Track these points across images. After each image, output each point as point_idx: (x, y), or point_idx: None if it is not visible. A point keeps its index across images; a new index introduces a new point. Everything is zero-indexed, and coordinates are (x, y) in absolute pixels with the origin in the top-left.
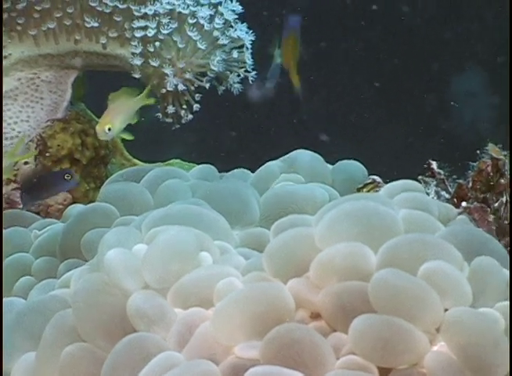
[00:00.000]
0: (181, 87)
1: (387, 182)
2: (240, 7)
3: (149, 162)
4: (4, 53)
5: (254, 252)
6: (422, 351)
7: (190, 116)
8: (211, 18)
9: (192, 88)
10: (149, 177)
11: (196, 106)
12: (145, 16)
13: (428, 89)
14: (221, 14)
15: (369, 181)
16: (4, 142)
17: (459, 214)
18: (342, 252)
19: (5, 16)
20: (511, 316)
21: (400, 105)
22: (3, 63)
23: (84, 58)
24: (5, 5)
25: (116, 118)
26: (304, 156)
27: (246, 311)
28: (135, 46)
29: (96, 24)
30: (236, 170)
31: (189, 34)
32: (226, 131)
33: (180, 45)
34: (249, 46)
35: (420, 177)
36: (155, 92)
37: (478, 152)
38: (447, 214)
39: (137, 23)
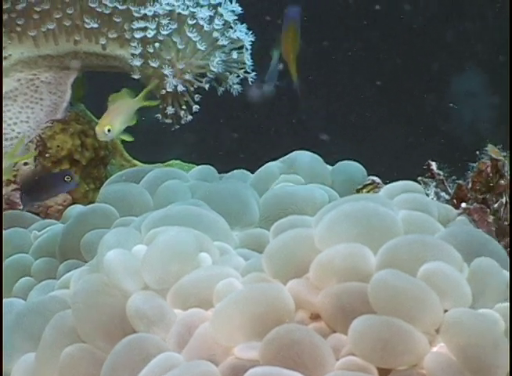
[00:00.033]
0: (180, 88)
1: (386, 183)
2: (240, 8)
3: (148, 163)
4: (4, 54)
5: (253, 253)
6: (421, 352)
7: (190, 117)
8: (211, 19)
9: (192, 88)
10: (149, 178)
11: (195, 107)
12: (144, 17)
13: (428, 90)
14: (221, 15)
15: (369, 182)
16: (4, 142)
17: (459, 215)
18: (342, 253)
19: (4, 17)
20: (511, 318)
21: (400, 105)
22: (3, 63)
23: (83, 59)
24: (4, 6)
25: (116, 119)
26: (303, 157)
27: (245, 312)
28: (135, 47)
29: (96, 25)
30: (235, 171)
31: (189, 35)
32: (226, 132)
33: (180, 46)
34: (248, 47)
35: (419, 178)
36: (154, 92)
37: (478, 153)
38: (446, 215)
39: (136, 24)
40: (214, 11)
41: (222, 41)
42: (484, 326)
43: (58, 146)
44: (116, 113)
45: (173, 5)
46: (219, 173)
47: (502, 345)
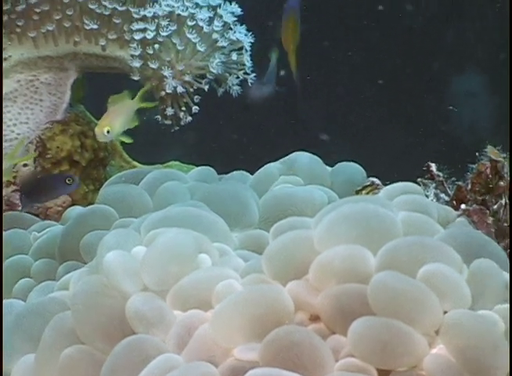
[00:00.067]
0: (180, 89)
1: (386, 185)
2: (239, 9)
3: (148, 164)
4: (3, 55)
5: (253, 254)
6: (421, 353)
7: (189, 118)
8: (210, 20)
9: (192, 90)
10: (148, 179)
11: (195, 108)
12: (144, 19)
13: (427, 90)
14: (221, 16)
15: (368, 183)
16: (3, 144)
17: (459, 216)
18: (341, 254)
19: (4, 18)
20: (511, 319)
21: (399, 106)
22: (3, 65)
23: (83, 60)
24: (4, 7)
25: (115, 121)
26: (303, 158)
27: (245, 313)
28: (135, 48)
29: (95, 26)
30: (234, 172)
31: (188, 36)
32: (225, 133)
33: (179, 47)
34: (248, 48)
35: (419, 179)
36: (154, 93)
37: (477, 154)
38: (446, 216)
39: (136, 26)
40: (213, 12)
41: (222, 43)
42: (484, 327)
43: (57, 147)
44: (115, 115)
45: (172, 7)
46: (218, 174)
47: (501, 347)
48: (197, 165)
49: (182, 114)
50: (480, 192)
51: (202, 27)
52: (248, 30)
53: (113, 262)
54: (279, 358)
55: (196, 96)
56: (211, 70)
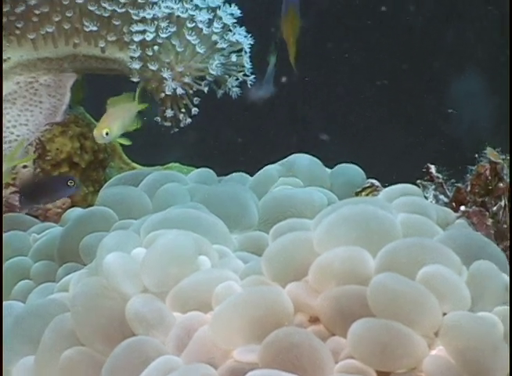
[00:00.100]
0: (179, 91)
1: (385, 186)
2: (239, 11)
3: (147, 166)
4: (3, 57)
5: (252, 256)
6: (420, 355)
7: (189, 119)
8: (210, 22)
9: (191, 91)
10: (148, 181)
11: (194, 110)
12: (143, 20)
13: (427, 91)
14: (220, 18)
15: (368, 185)
16: (3, 145)
17: (458, 218)
18: (341, 256)
19: (4, 19)
20: (511, 321)
21: (399, 107)
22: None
23: (82, 62)
24: (4, 9)
25: (114, 123)
26: (302, 160)
27: (244, 315)
28: (134, 50)
29: (95, 28)
30: (234, 174)
31: (188, 38)
32: (225, 135)
33: (179, 49)
34: (247, 50)
35: (418, 181)
36: (154, 95)
37: (477, 156)
38: (445, 218)
39: (136, 27)
40: (213, 14)
41: (221, 44)
42: (483, 329)
43: (57, 149)
44: (114, 117)
45: (172, 8)
46: (218, 176)
47: (501, 348)
48: (197, 167)
49: (181, 116)
50: (479, 194)
51: (201, 29)
52: (248, 31)
53: (113, 263)
54: (279, 359)
55: (195, 98)
56: (211, 71)
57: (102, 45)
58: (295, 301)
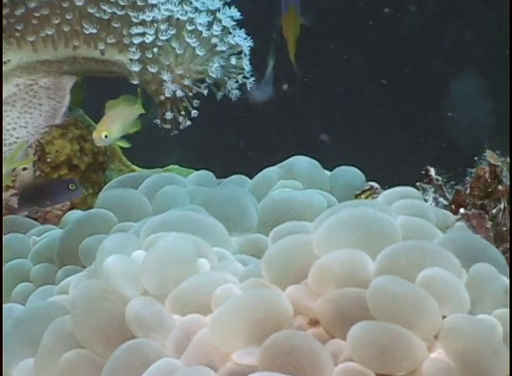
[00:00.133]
0: (179, 93)
1: (385, 189)
2: (239, 13)
3: (147, 168)
4: (3, 59)
5: (252, 258)
6: (420, 358)
7: (188, 122)
8: (210, 24)
9: (191, 94)
10: (148, 183)
11: (194, 112)
12: (143, 23)
13: (426, 94)
14: (220, 21)
15: (367, 187)
16: (3, 148)
17: (457, 220)
18: (340, 259)
19: (3, 22)
20: (511, 323)
21: (398, 110)
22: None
23: (82, 64)
24: (4, 12)
25: (113, 125)
26: (301, 162)
27: (244, 317)
28: (134, 52)
29: (95, 30)
30: (233, 176)
31: (188, 40)
32: (224, 137)
33: (178, 52)
34: (247, 52)
35: (417, 183)
36: (153, 97)
37: (476, 158)
38: (445, 220)
39: (135, 30)
40: (212, 16)
41: (221, 47)
42: (483, 332)
43: (57, 152)
44: (113, 119)
45: (172, 11)
46: (217, 178)
47: (500, 351)
48: (196, 169)
49: (181, 118)
50: (479, 196)
51: (201, 32)
52: (247, 34)
53: (113, 266)
54: (279, 362)
55: (195, 100)
56: (210, 74)
57: (101, 48)
58: (295, 303)
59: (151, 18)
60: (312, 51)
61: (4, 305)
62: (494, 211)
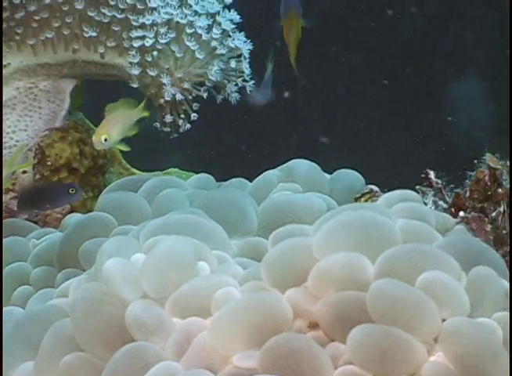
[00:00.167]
0: (179, 96)
1: (384, 192)
2: (238, 17)
3: (147, 171)
4: (3, 63)
5: (251, 262)
6: (420, 361)
7: (188, 125)
8: (209, 28)
9: (190, 97)
10: (147, 186)
11: (193, 116)
12: (143, 26)
13: (426, 97)
14: (219, 24)
15: (367, 190)
16: (2, 151)
17: (457, 223)
18: (340, 262)
19: (3, 25)
20: (511, 327)
21: (398, 113)
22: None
23: (82, 67)
24: (3, 15)
25: (112, 129)
26: (301, 165)
27: (244, 321)
28: (133, 56)
29: (94, 34)
30: (233, 179)
31: (187, 43)
32: (224, 140)
33: (178, 55)
34: (247, 56)
35: (417, 187)
36: (153, 101)
37: (476, 161)
38: (444, 224)
39: (135, 33)
40: (212, 20)
41: (221, 50)
42: (483, 335)
43: (56, 155)
44: (113, 123)
45: (171, 14)
46: (217, 181)
47: (500, 354)
48: (196, 172)
49: (180, 122)
50: (478, 199)
51: (201, 35)
52: (247, 37)
53: (113, 269)
54: (278, 365)
55: (194, 104)
56: (210, 77)
57: (101, 51)
58: (294, 306)
59: (151, 21)
60: (312, 53)
61: (4, 308)
62: (494, 214)
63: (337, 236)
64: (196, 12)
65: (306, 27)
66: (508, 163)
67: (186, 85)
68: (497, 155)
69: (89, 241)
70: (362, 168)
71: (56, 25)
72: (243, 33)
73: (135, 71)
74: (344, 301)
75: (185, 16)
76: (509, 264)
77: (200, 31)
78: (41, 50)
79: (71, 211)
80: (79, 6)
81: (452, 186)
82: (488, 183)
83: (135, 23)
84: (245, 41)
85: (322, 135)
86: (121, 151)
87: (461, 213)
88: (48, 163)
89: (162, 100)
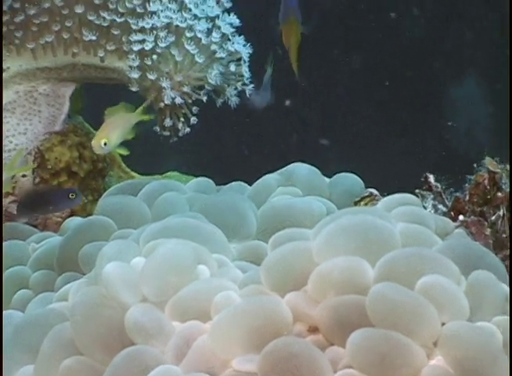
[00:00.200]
0: (178, 100)
1: (384, 196)
2: (238, 20)
3: (146, 175)
4: (3, 66)
5: (251, 265)
6: (419, 365)
7: (188, 129)
8: (209, 31)
9: (190, 101)
10: (147, 190)
11: (193, 119)
12: (142, 30)
13: (426, 100)
14: (219, 27)
15: (367, 194)
16: (2, 154)
17: (457, 227)
18: (340, 266)
19: (3, 29)
20: (511, 330)
21: (397, 117)
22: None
23: (82, 71)
24: (3, 19)
25: (112, 133)
26: (301, 169)
27: (243, 324)
28: (133, 59)
29: (94, 37)
30: (233, 183)
31: (187, 47)
32: (223, 144)
33: (178, 59)
34: (246, 59)
35: (417, 190)
36: (153, 104)
37: (475, 165)
38: (444, 227)
39: (135, 37)
40: (212, 23)
41: (220, 54)
42: (482, 339)
43: (56, 158)
44: (112, 127)
45: (171, 18)
46: (217, 185)
47: (500, 358)
48: (196, 176)
49: (180, 125)
50: (478, 203)
51: (200, 39)
52: (246, 41)
53: (113, 272)
54: (278, 369)
55: (194, 107)
56: (210, 81)
57: (101, 55)
58: (294, 310)
59: (150, 25)
60: (311, 56)
61: (4, 312)
62: (493, 218)
63: (336, 240)
64: (195, 16)
65: (304, 33)
66: (508, 167)
67: (186, 89)
68: (496, 159)
69: (89, 245)
70: (362, 171)
71: (56, 29)
72: (242, 37)
73: (135, 75)
74: (344, 305)
75: (185, 19)
76: (508, 268)
77: (199, 35)
78: (41, 54)
79: (71, 215)
80: (79, 10)
81: (451, 189)
82: (488, 187)
83: (134, 27)
84: (244, 45)
85: (322, 138)
86: (121, 155)
87: (461, 217)
88: (48, 167)
89: (162, 104)
